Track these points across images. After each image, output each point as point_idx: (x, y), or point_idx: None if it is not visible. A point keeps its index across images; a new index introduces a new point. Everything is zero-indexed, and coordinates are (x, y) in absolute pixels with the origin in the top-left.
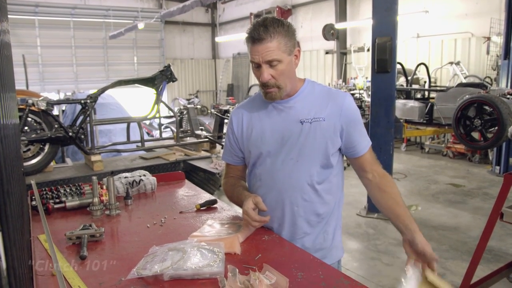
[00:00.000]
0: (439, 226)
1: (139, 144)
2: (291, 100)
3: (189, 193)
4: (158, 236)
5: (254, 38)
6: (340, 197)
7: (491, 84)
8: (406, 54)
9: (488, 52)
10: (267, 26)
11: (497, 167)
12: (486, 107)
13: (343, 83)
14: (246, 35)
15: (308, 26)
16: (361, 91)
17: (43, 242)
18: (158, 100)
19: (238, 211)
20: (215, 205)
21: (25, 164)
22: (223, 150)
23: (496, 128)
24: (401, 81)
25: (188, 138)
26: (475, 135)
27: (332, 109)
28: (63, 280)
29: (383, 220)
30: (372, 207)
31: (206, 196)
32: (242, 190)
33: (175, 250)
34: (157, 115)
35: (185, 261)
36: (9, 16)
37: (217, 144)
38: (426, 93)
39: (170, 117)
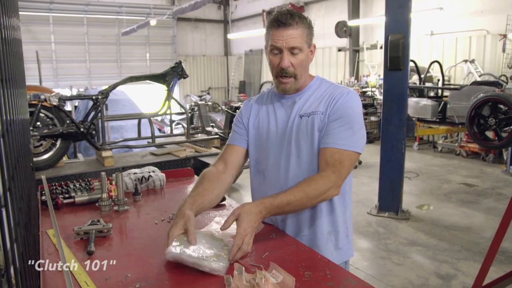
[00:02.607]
0: (451, 226)
1: (150, 140)
2: (297, 96)
3: None
4: (165, 232)
5: (280, 22)
6: (346, 197)
7: (507, 83)
8: (420, 52)
9: (504, 50)
10: (293, 15)
11: None
12: (501, 106)
13: (356, 81)
14: (269, 20)
15: (321, 23)
16: (374, 89)
17: (51, 237)
18: (169, 97)
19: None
20: (223, 202)
21: (37, 159)
22: (230, 136)
23: (511, 127)
24: (414, 79)
25: (199, 134)
26: (489, 134)
27: (329, 102)
28: (69, 276)
29: (394, 219)
30: (382, 206)
31: None
32: (190, 198)
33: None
34: (168, 112)
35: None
36: (24, 13)
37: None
38: (440, 91)
39: (181, 113)
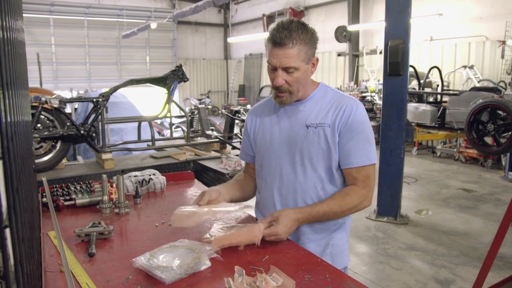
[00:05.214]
0: (449, 231)
1: (150, 143)
2: (301, 104)
3: (198, 193)
4: (166, 235)
5: (275, 41)
6: None
7: (505, 89)
8: (419, 57)
9: (502, 56)
10: (291, 31)
11: (510, 173)
12: (500, 112)
13: (355, 86)
14: (268, 34)
15: (321, 27)
16: (373, 94)
17: (52, 239)
18: (169, 100)
19: (247, 212)
20: None
21: (37, 161)
22: (241, 151)
23: (510, 133)
24: (413, 84)
25: (198, 138)
26: (488, 140)
27: (337, 115)
28: (71, 277)
29: (393, 224)
30: (381, 211)
31: None
32: (224, 185)
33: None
34: (168, 115)
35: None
36: (24, 14)
37: (227, 145)
38: (439, 96)
39: (181, 116)
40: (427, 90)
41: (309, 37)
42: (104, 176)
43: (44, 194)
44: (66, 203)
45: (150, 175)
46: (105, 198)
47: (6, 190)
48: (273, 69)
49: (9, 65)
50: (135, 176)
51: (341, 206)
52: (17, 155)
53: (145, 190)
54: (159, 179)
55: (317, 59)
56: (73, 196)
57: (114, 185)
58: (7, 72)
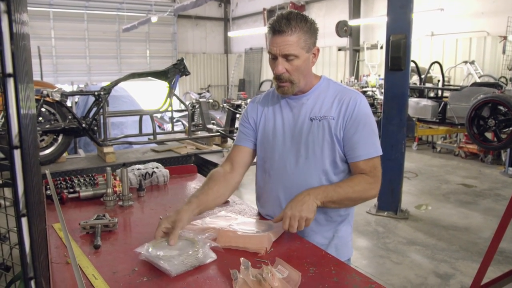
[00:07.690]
0: (449, 226)
1: (151, 137)
2: (304, 97)
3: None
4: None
5: (275, 29)
6: None
7: (506, 84)
8: (420, 52)
9: (504, 52)
10: (290, 20)
11: (510, 168)
12: (501, 107)
13: (356, 80)
14: (268, 25)
15: (321, 22)
16: (374, 89)
17: (57, 231)
18: (171, 94)
19: (251, 205)
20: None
21: (40, 154)
22: (236, 137)
23: (511, 128)
24: (414, 79)
25: (199, 132)
26: (489, 135)
27: (341, 108)
28: (79, 269)
29: (393, 218)
30: (382, 205)
31: None
32: (194, 198)
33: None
34: (169, 109)
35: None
36: None
37: (228, 139)
38: (440, 92)
39: (182, 110)
40: (428, 85)
41: (308, 26)
42: (108, 169)
43: (48, 186)
44: (70, 195)
45: (153, 168)
46: (109, 191)
47: (24, 178)
48: (273, 58)
49: (22, 59)
50: (138, 169)
51: (353, 188)
52: (30, 146)
53: (148, 183)
54: (162, 172)
55: (318, 50)
56: (77, 189)
57: (118, 178)
58: (20, 65)
